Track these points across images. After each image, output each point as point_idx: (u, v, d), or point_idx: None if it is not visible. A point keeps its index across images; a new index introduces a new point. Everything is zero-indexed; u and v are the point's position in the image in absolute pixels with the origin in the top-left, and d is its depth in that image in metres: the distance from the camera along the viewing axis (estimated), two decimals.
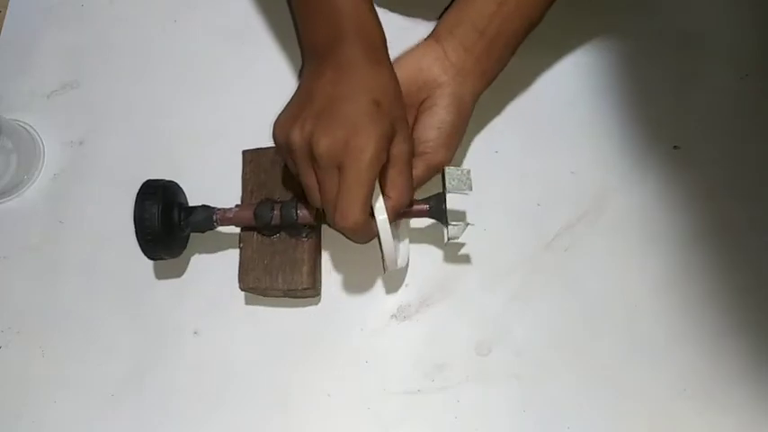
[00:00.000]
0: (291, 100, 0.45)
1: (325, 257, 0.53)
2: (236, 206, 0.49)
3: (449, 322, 0.50)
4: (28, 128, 0.58)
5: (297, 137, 0.42)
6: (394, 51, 0.57)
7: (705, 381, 0.48)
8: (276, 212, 0.48)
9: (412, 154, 0.44)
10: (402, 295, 0.51)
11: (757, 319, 0.49)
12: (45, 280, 0.54)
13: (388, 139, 0.41)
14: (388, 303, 0.51)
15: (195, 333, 0.52)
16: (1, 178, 0.56)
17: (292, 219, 0.48)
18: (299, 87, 0.45)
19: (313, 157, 0.41)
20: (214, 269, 0.52)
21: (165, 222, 0.47)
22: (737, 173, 0.53)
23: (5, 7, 0.63)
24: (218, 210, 0.49)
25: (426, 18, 0.58)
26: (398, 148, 0.43)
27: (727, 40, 0.57)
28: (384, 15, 0.58)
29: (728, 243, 0.51)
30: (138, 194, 0.47)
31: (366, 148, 0.40)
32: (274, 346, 0.51)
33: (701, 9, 0.59)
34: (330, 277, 0.52)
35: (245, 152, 0.53)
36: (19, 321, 0.53)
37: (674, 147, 0.54)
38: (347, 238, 0.44)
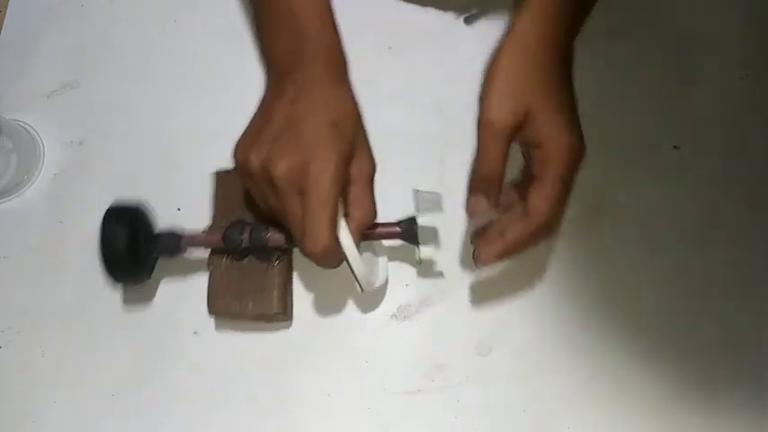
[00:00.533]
0: (251, 120, 0.44)
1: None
2: (206, 229, 0.48)
3: (449, 322, 0.50)
4: (28, 128, 0.58)
5: (253, 161, 0.41)
6: (406, 41, 0.57)
7: (706, 380, 0.48)
8: (246, 236, 0.47)
9: (374, 171, 0.44)
10: (402, 295, 0.51)
11: (758, 318, 0.49)
12: (45, 280, 0.54)
13: (347, 160, 0.41)
14: (388, 303, 0.51)
15: (195, 333, 0.52)
16: (1, 178, 0.56)
17: (263, 242, 0.47)
18: (259, 107, 0.45)
19: (270, 181, 0.41)
20: None
21: (132, 247, 0.46)
22: (737, 173, 0.53)
23: (5, 7, 0.63)
24: (186, 234, 0.48)
25: (440, 8, 0.58)
26: (359, 167, 0.43)
27: (728, 40, 0.57)
28: (395, 5, 0.59)
29: (729, 243, 0.51)
30: (104, 218, 0.46)
31: (325, 170, 0.40)
32: (274, 345, 0.51)
33: (701, 9, 0.59)
34: (329, 279, 0.52)
35: (216, 173, 0.52)
36: (19, 321, 0.53)
37: (674, 147, 0.54)
38: (316, 263, 0.42)
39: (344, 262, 0.43)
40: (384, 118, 0.55)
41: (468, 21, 0.59)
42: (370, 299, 0.51)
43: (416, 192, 0.46)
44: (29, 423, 0.50)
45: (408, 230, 0.46)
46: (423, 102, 0.56)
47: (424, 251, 0.46)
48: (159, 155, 0.57)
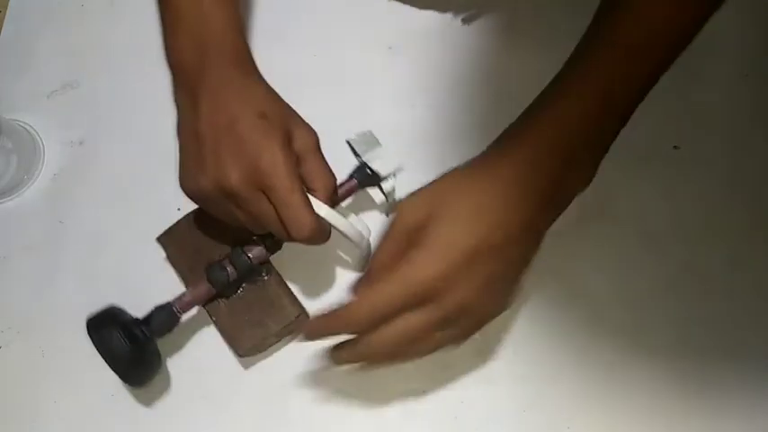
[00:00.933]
0: (182, 148, 0.44)
1: (321, 266, 0.53)
2: (188, 289, 0.47)
3: None
4: (28, 128, 0.58)
5: (205, 184, 0.41)
6: (406, 41, 0.57)
7: (706, 380, 0.48)
8: (229, 268, 0.46)
9: (317, 139, 0.44)
10: None
11: (759, 319, 0.49)
12: (45, 280, 0.54)
13: (289, 142, 0.42)
14: None
15: (195, 333, 0.52)
16: (1, 178, 0.56)
17: (247, 264, 0.46)
18: (182, 129, 0.44)
19: (230, 194, 0.41)
20: None
21: (133, 342, 0.43)
22: (737, 173, 0.53)
23: (5, 7, 0.63)
24: (174, 301, 0.46)
25: (439, 10, 0.58)
26: (301, 142, 0.43)
27: (728, 40, 0.57)
28: (395, 5, 0.59)
29: (728, 243, 0.51)
30: (90, 333, 0.44)
31: (276, 160, 0.40)
32: (274, 345, 0.50)
33: None
34: (318, 278, 0.52)
35: (158, 239, 0.50)
36: (19, 321, 0.53)
37: (674, 147, 0.54)
38: (308, 244, 0.43)
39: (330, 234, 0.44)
40: (384, 118, 0.55)
41: (465, 21, 0.59)
42: (365, 258, 0.51)
43: (349, 141, 0.47)
44: (29, 423, 0.50)
45: (365, 176, 0.47)
46: (423, 102, 0.56)
47: (385, 185, 0.48)
48: (159, 155, 0.57)
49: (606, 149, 0.41)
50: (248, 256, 0.46)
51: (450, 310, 0.39)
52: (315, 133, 0.44)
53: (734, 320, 0.49)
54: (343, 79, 0.57)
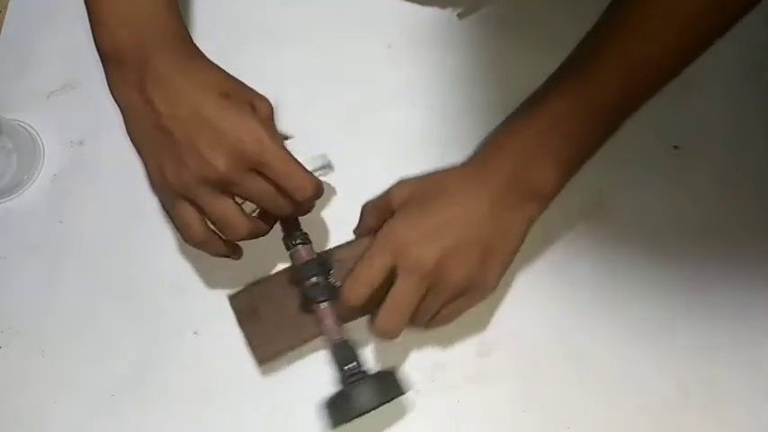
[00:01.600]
0: (146, 150, 0.42)
1: None
2: (322, 325, 0.45)
3: None
4: (28, 128, 0.58)
5: (189, 180, 0.39)
6: (406, 40, 0.57)
7: (707, 380, 0.48)
8: (316, 279, 0.45)
9: (272, 108, 0.44)
10: None
11: (758, 318, 0.49)
12: (45, 280, 0.54)
13: (254, 114, 0.41)
14: None
15: (195, 333, 0.52)
16: (1, 178, 0.56)
17: (316, 262, 0.45)
18: (139, 131, 0.42)
19: (220, 183, 0.40)
20: (214, 271, 0.52)
21: (366, 382, 0.43)
22: (737, 173, 0.53)
23: (5, 7, 0.63)
24: (330, 338, 0.45)
25: (441, 6, 0.58)
26: (262, 112, 0.43)
27: (728, 39, 0.57)
28: (395, 4, 0.59)
29: (728, 243, 0.51)
30: (355, 413, 0.42)
31: (260, 137, 0.39)
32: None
33: None
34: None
35: (260, 362, 0.47)
36: (19, 321, 0.53)
37: (674, 147, 0.54)
38: (314, 199, 0.43)
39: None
40: (384, 118, 0.55)
41: (461, 15, 0.58)
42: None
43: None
44: (29, 423, 0.50)
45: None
46: (423, 102, 0.56)
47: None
48: None
49: (582, 157, 0.43)
50: (308, 258, 0.45)
51: (427, 270, 0.41)
52: (269, 102, 0.44)
53: (734, 320, 0.49)
54: (343, 79, 0.57)
